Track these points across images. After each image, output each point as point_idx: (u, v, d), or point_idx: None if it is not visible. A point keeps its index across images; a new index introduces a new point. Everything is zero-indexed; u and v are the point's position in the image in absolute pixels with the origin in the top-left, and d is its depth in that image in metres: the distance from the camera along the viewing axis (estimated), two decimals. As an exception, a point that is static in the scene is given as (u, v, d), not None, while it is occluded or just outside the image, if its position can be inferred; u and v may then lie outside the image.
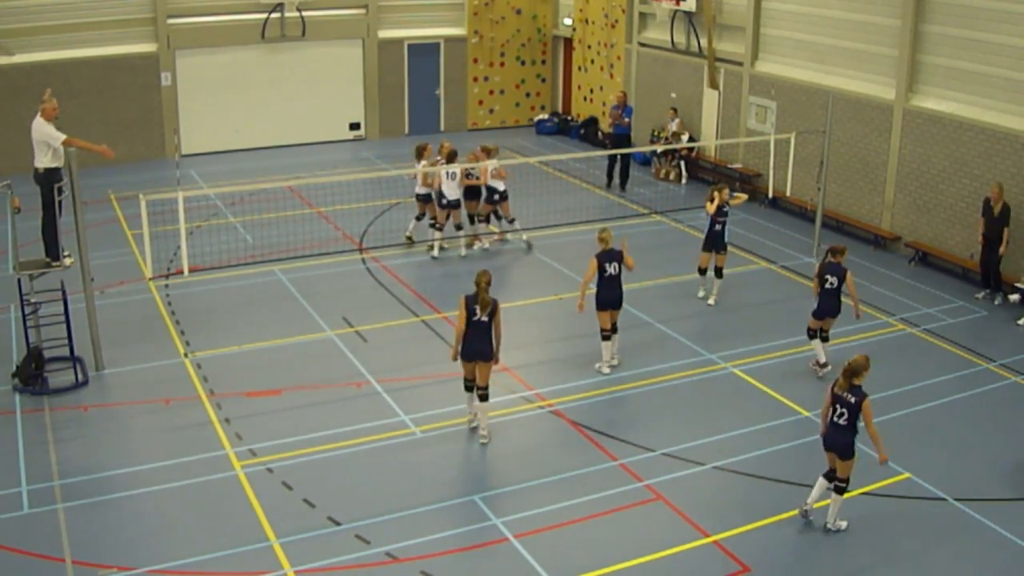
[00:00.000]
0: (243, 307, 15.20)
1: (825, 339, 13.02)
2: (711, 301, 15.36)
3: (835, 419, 9.37)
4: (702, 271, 15.45)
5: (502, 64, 27.73)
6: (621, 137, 21.98)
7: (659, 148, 22.02)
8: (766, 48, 20.85)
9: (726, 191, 15.16)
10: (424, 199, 17.32)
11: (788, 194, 18.17)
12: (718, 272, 15.29)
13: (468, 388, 11.28)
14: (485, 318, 10.79)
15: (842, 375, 9.35)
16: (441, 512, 9.94)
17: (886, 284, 16.18)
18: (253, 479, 10.47)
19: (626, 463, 10.84)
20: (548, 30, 28.12)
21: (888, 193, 18.02)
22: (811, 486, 10.40)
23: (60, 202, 12.54)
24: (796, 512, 9.85)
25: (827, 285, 12.75)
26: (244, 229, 18.61)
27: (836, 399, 9.37)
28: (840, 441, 9.37)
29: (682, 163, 22.39)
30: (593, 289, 12.94)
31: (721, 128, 22.17)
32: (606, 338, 12.92)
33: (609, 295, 12.75)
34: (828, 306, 12.84)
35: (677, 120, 22.65)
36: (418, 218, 17.65)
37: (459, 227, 17.31)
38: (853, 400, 9.24)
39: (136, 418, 11.83)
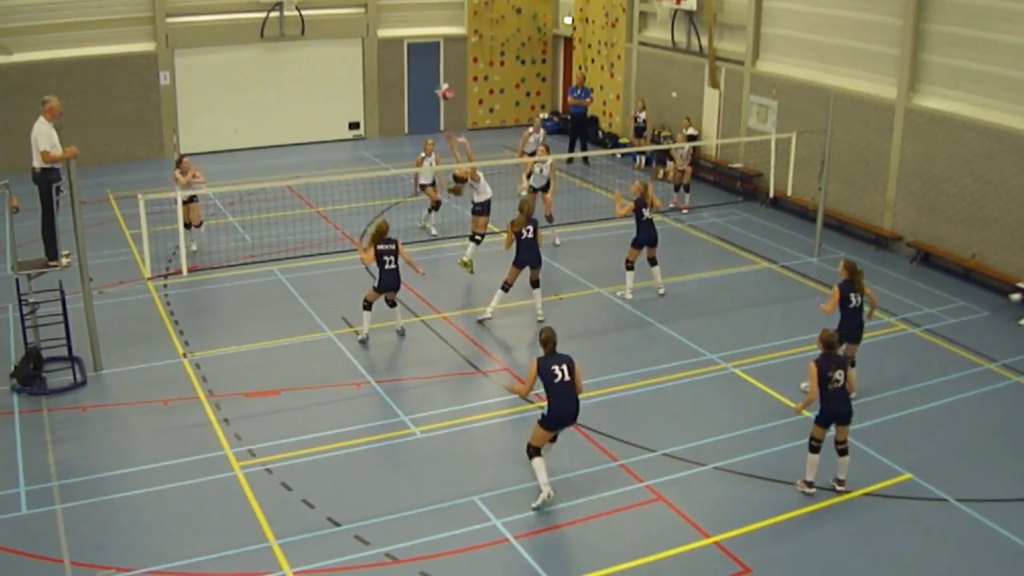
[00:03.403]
0: (242, 307, 15.17)
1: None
2: (662, 291, 15.67)
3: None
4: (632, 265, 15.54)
5: (502, 63, 27.70)
6: (579, 116, 24.14)
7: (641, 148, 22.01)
8: (767, 47, 20.82)
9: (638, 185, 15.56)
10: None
11: (789, 194, 18.13)
12: (654, 261, 15.58)
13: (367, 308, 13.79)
14: (394, 265, 13.53)
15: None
16: (441, 512, 9.91)
17: (888, 284, 16.14)
18: (252, 480, 10.44)
19: (626, 463, 10.81)
20: (548, 29, 28.09)
21: (890, 193, 17.98)
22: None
23: (58, 202, 12.50)
24: (796, 513, 9.83)
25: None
26: (243, 229, 18.57)
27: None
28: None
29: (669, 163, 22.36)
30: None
31: (722, 127, 22.14)
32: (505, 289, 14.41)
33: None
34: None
35: (644, 113, 23.04)
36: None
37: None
38: None
39: (135, 419, 11.79)
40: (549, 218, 17.84)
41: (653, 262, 15.56)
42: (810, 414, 10.32)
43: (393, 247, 13.48)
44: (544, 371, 9.80)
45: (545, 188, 18.12)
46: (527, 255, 14.21)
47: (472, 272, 16.08)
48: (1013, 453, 11.16)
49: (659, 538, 9.50)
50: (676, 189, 20.44)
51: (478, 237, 16.26)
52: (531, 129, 20.68)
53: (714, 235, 18.74)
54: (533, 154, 20.29)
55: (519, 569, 9.09)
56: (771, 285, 16.33)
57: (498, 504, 10.05)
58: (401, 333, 13.99)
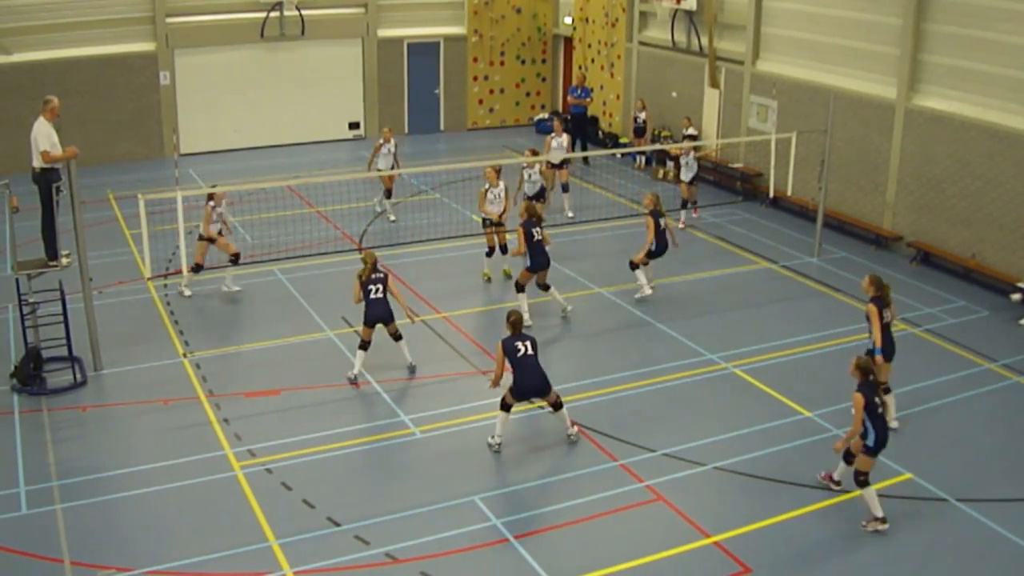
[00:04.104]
0: (242, 307, 15.16)
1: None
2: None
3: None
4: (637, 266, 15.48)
5: (502, 63, 27.70)
6: (579, 116, 24.17)
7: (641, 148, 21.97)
8: (767, 47, 20.82)
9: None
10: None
11: (789, 194, 18.13)
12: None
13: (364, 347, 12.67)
14: (381, 294, 12.52)
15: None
16: (441, 512, 9.91)
17: (888, 284, 16.11)
18: (252, 480, 10.44)
19: (626, 463, 10.80)
20: (548, 29, 28.09)
21: (890, 193, 17.98)
22: (812, 486, 10.39)
23: (58, 201, 12.51)
24: (796, 513, 9.84)
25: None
26: (243, 229, 18.56)
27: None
28: None
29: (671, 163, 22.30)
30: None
31: (722, 127, 22.14)
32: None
33: None
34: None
35: (644, 113, 22.97)
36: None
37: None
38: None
39: (135, 418, 11.79)
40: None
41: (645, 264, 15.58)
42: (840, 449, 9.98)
43: (382, 276, 12.60)
44: (508, 349, 10.78)
45: (539, 196, 17.42)
46: (539, 258, 14.24)
47: (489, 280, 16.30)
48: (1013, 453, 11.16)
49: (659, 538, 9.50)
50: (684, 206, 19.11)
51: (488, 250, 16.16)
52: (553, 134, 19.77)
53: (714, 235, 18.74)
54: (562, 164, 19.53)
55: (519, 569, 9.08)
56: (771, 285, 16.33)
57: (498, 504, 10.05)
58: (411, 370, 12.96)
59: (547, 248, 14.38)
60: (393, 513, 9.87)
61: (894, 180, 17.84)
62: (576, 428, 11.27)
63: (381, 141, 18.98)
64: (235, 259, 15.22)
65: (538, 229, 14.24)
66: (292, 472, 10.60)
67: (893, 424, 11.33)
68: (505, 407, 10.97)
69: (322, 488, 10.29)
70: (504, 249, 16.09)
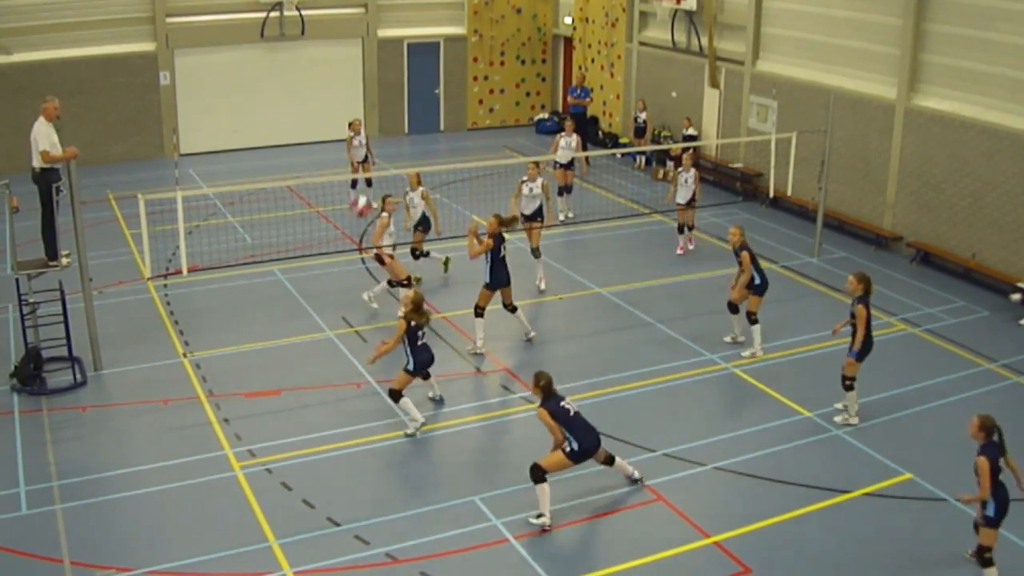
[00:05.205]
0: (242, 307, 15.17)
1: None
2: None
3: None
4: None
5: (502, 63, 27.70)
6: (579, 115, 23.67)
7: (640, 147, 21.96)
8: (767, 47, 20.82)
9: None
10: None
11: (789, 194, 18.12)
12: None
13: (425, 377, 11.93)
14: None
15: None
16: (441, 512, 9.91)
17: (888, 284, 16.13)
18: (252, 480, 10.44)
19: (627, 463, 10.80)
20: (548, 29, 28.09)
21: (890, 193, 17.98)
22: (811, 486, 10.38)
23: (58, 202, 12.51)
24: (796, 513, 9.84)
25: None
26: (243, 229, 18.57)
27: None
28: None
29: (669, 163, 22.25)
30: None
31: (722, 127, 22.14)
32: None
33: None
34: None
35: (645, 113, 22.97)
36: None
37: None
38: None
39: (135, 418, 11.79)
40: (535, 252, 15.86)
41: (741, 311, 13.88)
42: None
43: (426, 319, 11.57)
44: (558, 413, 9.70)
45: (536, 216, 15.74)
46: (500, 273, 13.25)
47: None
48: (1013, 453, 11.10)
49: (659, 538, 9.50)
50: (680, 231, 17.62)
51: (418, 253, 15.98)
52: (562, 132, 19.28)
53: (714, 235, 18.72)
54: (569, 164, 19.27)
55: (519, 569, 9.09)
56: (771, 285, 16.24)
57: (498, 504, 10.05)
58: (439, 401, 12.20)
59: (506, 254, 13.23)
60: (393, 513, 9.87)
61: (894, 180, 17.84)
62: (638, 473, 10.38)
63: (351, 134, 19.32)
64: (395, 285, 14.51)
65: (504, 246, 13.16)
66: (292, 472, 10.60)
67: (853, 420, 11.58)
68: (541, 478, 9.64)
69: (322, 488, 10.29)
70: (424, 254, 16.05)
